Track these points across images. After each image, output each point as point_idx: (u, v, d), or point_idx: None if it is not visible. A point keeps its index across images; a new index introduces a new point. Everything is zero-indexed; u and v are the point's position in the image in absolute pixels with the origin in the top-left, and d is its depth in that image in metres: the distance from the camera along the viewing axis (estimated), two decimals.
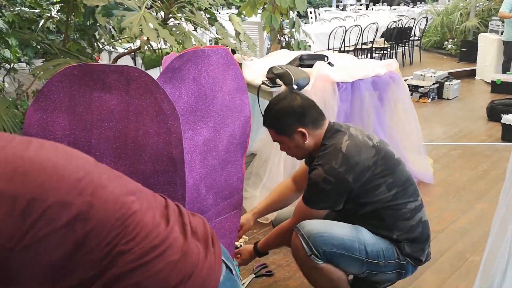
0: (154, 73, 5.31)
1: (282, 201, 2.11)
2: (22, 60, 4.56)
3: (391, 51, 7.95)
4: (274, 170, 2.76)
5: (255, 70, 2.98)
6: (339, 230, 1.73)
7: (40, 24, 4.43)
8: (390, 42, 7.83)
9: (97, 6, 2.72)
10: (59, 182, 0.82)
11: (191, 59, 1.43)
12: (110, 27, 3.65)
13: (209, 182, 1.60)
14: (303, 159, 1.97)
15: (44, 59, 3.74)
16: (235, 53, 3.15)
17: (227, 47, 1.70)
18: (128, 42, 4.23)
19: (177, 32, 2.66)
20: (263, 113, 1.86)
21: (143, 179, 1.31)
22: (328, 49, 7.05)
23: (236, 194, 1.74)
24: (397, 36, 7.90)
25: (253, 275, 2.22)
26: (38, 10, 4.36)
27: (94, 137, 1.27)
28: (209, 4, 2.90)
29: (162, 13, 2.89)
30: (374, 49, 7.73)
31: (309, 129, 1.78)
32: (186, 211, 1.06)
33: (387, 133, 3.01)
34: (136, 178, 1.27)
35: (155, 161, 1.34)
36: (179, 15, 2.92)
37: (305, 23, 7.89)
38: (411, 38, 8.30)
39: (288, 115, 1.77)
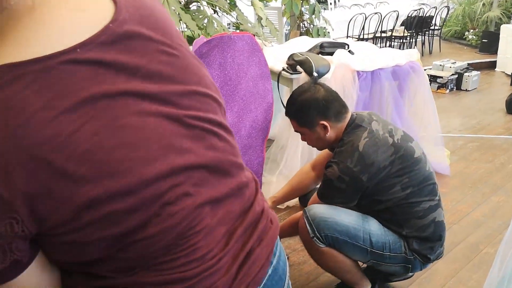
0: None
1: (301, 189, 2.13)
2: None
3: (411, 40, 7.86)
4: (291, 157, 2.79)
5: (275, 56, 2.98)
6: (345, 217, 1.76)
7: None
8: (410, 31, 7.74)
9: None
10: (133, 186, 0.61)
11: (218, 45, 1.46)
12: None
13: None
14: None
15: None
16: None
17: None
18: None
19: (200, 17, 2.68)
20: (285, 103, 1.87)
21: None
22: (347, 37, 7.01)
23: (256, 178, 1.78)
24: (417, 24, 7.80)
25: None
26: None
27: None
28: None
29: None
30: (393, 37, 7.65)
31: (331, 122, 1.78)
32: (265, 221, 0.82)
33: (404, 123, 3.02)
34: None
35: None
36: None
37: (325, 9, 7.82)
38: (431, 27, 8.19)
39: (311, 107, 1.77)
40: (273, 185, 2.81)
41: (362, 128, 1.76)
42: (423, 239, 1.78)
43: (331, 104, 1.78)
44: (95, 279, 0.67)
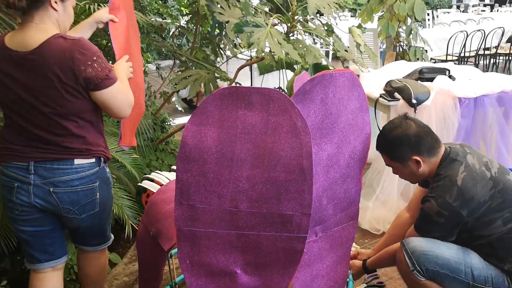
0: (268, 76, 5.56)
1: (398, 235, 2.04)
2: (148, 61, 5.04)
3: None
4: (388, 183, 2.79)
5: (372, 82, 3.02)
6: (445, 250, 1.73)
7: (171, 32, 4.92)
8: None
9: (227, 21, 2.99)
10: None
11: (320, 82, 1.56)
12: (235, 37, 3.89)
13: (330, 193, 1.71)
14: None
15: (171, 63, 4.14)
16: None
17: (349, 60, 1.78)
18: (247, 49, 4.50)
19: (300, 46, 2.81)
20: (376, 136, 1.89)
21: (275, 186, 1.48)
22: (447, 55, 6.75)
23: (354, 205, 1.83)
24: None
25: (365, 285, 2.29)
26: (169, 20, 4.86)
27: (237, 148, 1.48)
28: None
29: (285, 26, 3.07)
30: (498, 55, 7.23)
31: (424, 157, 1.78)
32: None
33: (511, 150, 2.88)
34: (270, 185, 1.47)
35: (287, 170, 1.51)
36: (300, 28, 3.08)
37: (422, 26, 7.59)
38: None
39: (403, 143, 1.78)
40: (369, 210, 2.82)
41: (458, 162, 1.74)
42: None
43: (423, 140, 1.78)
44: None
